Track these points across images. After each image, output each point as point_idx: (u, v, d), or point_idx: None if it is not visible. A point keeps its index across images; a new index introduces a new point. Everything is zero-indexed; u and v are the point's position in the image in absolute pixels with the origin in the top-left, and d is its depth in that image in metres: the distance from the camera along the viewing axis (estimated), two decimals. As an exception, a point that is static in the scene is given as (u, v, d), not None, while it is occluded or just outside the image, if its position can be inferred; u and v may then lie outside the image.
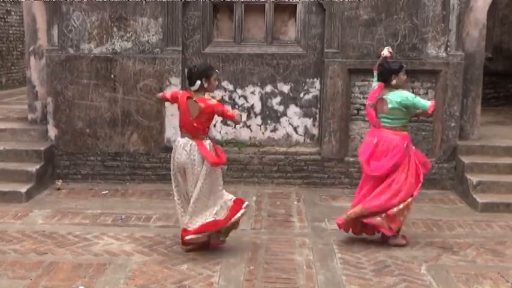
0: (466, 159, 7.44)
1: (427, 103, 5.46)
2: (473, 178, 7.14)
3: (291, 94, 7.90)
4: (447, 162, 7.65)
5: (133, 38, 7.61)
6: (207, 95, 5.29)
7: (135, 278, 4.76)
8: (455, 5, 7.41)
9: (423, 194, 6.40)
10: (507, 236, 5.97)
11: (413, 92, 7.48)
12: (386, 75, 5.49)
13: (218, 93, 7.64)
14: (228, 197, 5.34)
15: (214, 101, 5.21)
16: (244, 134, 8.00)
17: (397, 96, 5.41)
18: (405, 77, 5.63)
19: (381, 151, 5.48)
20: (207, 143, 5.21)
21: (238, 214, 5.28)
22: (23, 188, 6.95)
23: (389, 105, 5.41)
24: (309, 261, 5.19)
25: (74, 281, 4.67)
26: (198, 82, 5.10)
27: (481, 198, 6.87)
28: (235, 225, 5.38)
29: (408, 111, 5.49)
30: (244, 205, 5.33)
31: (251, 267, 5.02)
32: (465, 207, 7.01)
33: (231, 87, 7.83)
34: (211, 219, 5.16)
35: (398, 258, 5.27)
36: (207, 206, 5.21)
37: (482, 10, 7.60)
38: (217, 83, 5.32)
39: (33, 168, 7.26)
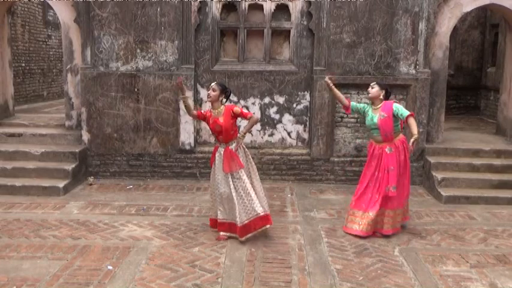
0: (432, 159, 7.43)
1: None
2: (438, 175, 7.13)
3: (285, 105, 7.89)
4: (416, 161, 7.64)
5: (153, 57, 7.61)
6: (221, 107, 5.30)
7: (155, 259, 4.76)
8: (423, 30, 7.42)
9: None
10: (466, 224, 5.96)
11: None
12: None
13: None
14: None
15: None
16: (246, 138, 7.93)
17: None
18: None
19: None
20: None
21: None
22: (61, 184, 6.95)
23: None
24: (300, 245, 5.18)
25: (103, 261, 4.68)
26: None
27: (444, 192, 6.86)
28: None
29: None
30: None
31: (252, 250, 5.01)
32: (431, 199, 7.00)
33: (235, 98, 7.83)
34: None
35: (376, 242, 5.26)
36: None
37: (445, 35, 7.61)
38: (210, 91, 5.20)
39: (70, 167, 7.26)
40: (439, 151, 7.62)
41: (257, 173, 5.45)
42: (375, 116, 5.44)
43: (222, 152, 5.22)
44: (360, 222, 5.43)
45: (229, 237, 5.25)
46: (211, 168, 5.40)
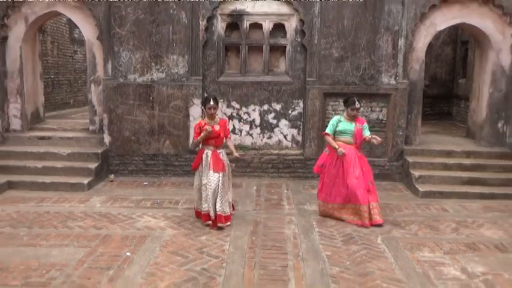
0: (410, 159, 7.43)
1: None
2: (416, 173, 7.13)
3: (282, 111, 7.90)
4: (396, 161, 7.64)
5: (166, 70, 7.62)
6: (216, 118, 5.40)
7: (167, 246, 4.76)
8: (402, 46, 7.43)
9: (379, 185, 6.39)
10: (440, 216, 5.96)
11: (371, 110, 7.60)
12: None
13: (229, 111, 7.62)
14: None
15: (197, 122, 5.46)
16: (247, 141, 8.00)
17: None
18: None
19: None
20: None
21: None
22: (85, 180, 6.95)
23: None
24: (295, 234, 5.18)
25: (123, 248, 4.68)
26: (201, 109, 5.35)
27: (421, 188, 6.86)
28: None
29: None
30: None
31: (253, 238, 5.01)
32: (409, 194, 6.99)
33: (238, 106, 7.84)
34: None
35: (361, 232, 5.26)
36: None
37: (422, 50, 7.62)
38: (211, 111, 5.29)
39: (93, 166, 7.27)
40: (417, 152, 7.63)
41: (231, 176, 5.56)
42: (351, 124, 5.58)
43: (209, 154, 5.31)
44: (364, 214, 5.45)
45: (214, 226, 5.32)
46: (197, 169, 5.42)
